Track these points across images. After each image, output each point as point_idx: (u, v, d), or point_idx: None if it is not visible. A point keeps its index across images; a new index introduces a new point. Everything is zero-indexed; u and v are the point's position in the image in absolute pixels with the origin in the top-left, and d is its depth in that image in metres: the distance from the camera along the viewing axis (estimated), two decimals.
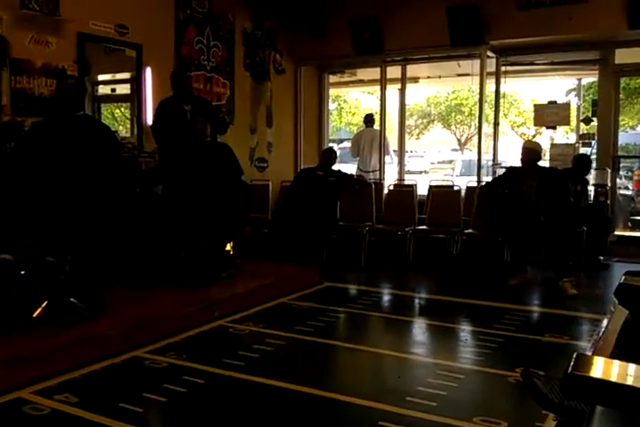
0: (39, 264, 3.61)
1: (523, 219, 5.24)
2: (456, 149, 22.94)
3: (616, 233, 6.78)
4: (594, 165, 6.91)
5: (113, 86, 6.54)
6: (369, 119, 8.56)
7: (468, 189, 6.60)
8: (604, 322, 4.01)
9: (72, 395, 2.86)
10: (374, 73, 8.02)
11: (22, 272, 3.55)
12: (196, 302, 4.15)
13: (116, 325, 3.53)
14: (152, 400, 2.87)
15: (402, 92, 7.87)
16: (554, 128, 7.86)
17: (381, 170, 7.90)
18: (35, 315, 3.60)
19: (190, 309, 4.03)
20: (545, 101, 7.66)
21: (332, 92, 9.23)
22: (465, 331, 4.22)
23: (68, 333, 3.44)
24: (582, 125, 7.95)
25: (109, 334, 3.44)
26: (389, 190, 6.98)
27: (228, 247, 4.94)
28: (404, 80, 7.73)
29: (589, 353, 1.98)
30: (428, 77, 9.02)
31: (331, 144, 9.11)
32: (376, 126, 8.27)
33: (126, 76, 6.24)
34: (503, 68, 7.28)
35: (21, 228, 3.75)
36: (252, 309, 4.43)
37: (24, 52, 4.89)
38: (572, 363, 1.10)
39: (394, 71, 7.67)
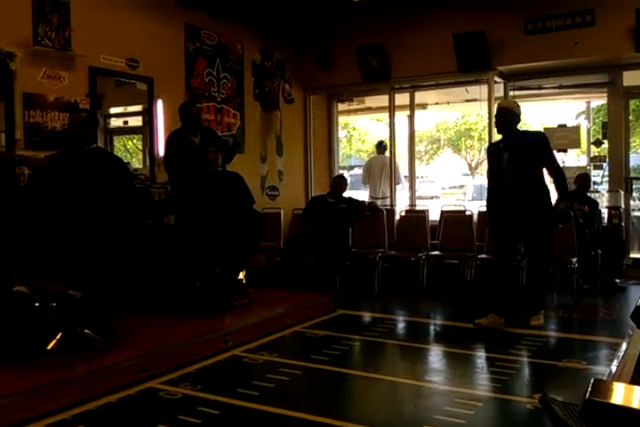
0: (54, 296, 3.63)
1: (504, 205, 4.58)
2: (467, 174, 22.95)
3: (631, 256, 6.72)
4: (606, 187, 6.88)
5: (125, 119, 6.65)
6: (380, 146, 8.61)
7: (481, 213, 6.57)
8: (623, 346, 3.95)
9: None
10: (383, 100, 8.09)
11: (37, 304, 3.56)
12: (209, 331, 4.13)
13: (131, 355, 3.51)
14: None
15: (411, 118, 7.92)
16: (564, 151, 7.86)
17: (392, 196, 7.90)
18: (49, 346, 3.61)
19: (204, 338, 4.01)
20: (555, 125, 7.68)
21: (341, 119, 9.31)
22: (481, 357, 4.15)
23: (82, 364, 3.43)
24: (593, 148, 7.95)
25: (124, 365, 3.42)
26: (401, 216, 6.98)
27: (241, 276, 4.94)
28: (412, 107, 7.79)
29: (608, 378, 1.94)
30: (437, 103, 9.08)
31: (341, 171, 9.14)
32: (387, 153, 8.31)
33: (138, 108, 6.34)
34: (511, 93, 7.33)
35: (35, 260, 3.77)
36: (266, 338, 4.40)
37: (37, 87, 4.99)
38: (589, 389, 1.08)
39: (402, 98, 7.74)
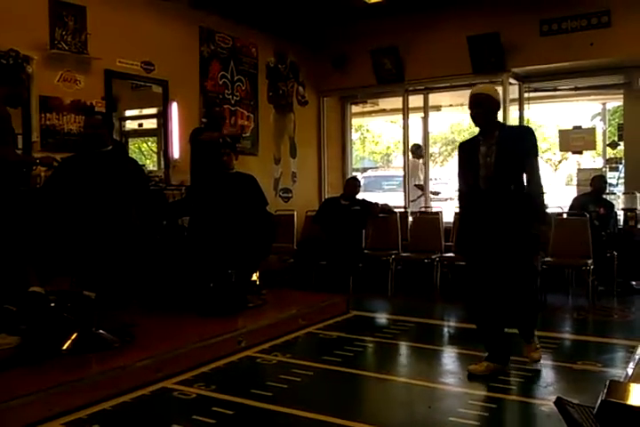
0: (69, 297, 3.66)
1: (478, 213, 3.63)
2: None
3: None
4: (622, 189, 6.83)
5: (140, 121, 6.69)
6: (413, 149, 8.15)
7: None
8: (639, 349, 3.92)
9: None
10: (396, 102, 8.08)
11: (52, 304, 3.60)
12: (223, 332, 4.14)
13: (145, 356, 3.53)
14: None
15: (424, 120, 7.90)
16: (580, 153, 7.80)
17: (407, 198, 7.87)
18: (65, 347, 3.64)
19: (218, 339, 4.02)
20: (570, 126, 7.63)
21: (355, 121, 9.29)
22: None
23: (97, 364, 3.46)
24: (609, 150, 7.89)
25: (138, 365, 3.44)
26: (415, 218, 6.96)
27: (255, 277, 4.95)
28: (426, 108, 7.76)
29: (624, 380, 1.93)
30: (451, 105, 9.05)
31: (354, 173, 9.12)
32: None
33: (153, 111, 6.39)
34: (526, 95, 7.29)
35: (50, 261, 3.81)
36: (279, 339, 4.41)
37: (53, 90, 5.05)
38: (605, 390, 1.08)
39: (416, 100, 7.72)
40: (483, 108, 3.54)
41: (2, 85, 3.68)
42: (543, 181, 3.63)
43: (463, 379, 3.61)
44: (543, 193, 3.61)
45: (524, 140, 3.54)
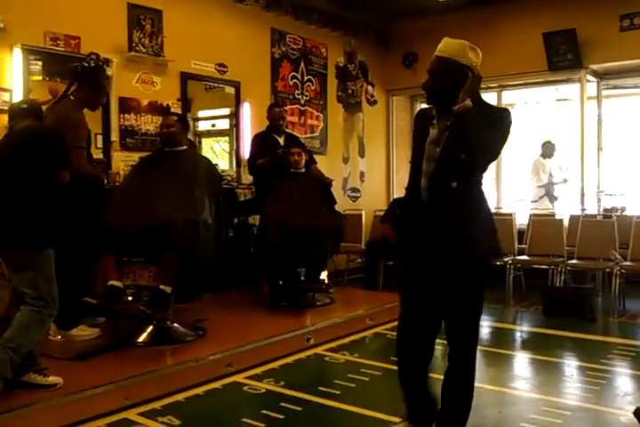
0: (146, 290, 3.78)
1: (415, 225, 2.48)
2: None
3: None
4: None
5: (213, 122, 6.84)
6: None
7: (572, 217, 6.35)
8: None
9: (175, 417, 2.94)
10: None
11: (129, 298, 3.73)
12: (291, 329, 4.19)
13: (217, 350, 3.61)
14: (251, 426, 2.90)
15: None
16: None
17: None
18: (140, 339, 3.77)
19: (287, 336, 4.07)
20: None
21: None
22: (570, 365, 4.00)
23: (172, 357, 3.57)
24: None
25: (210, 359, 3.52)
26: None
27: (324, 276, 4.98)
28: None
29: None
30: (525, 103, 8.81)
31: None
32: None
33: (225, 111, 6.52)
34: (604, 92, 7.04)
35: (129, 255, 3.94)
36: (347, 338, 4.42)
37: (131, 92, 5.24)
38: None
39: (489, 98, 7.57)
40: (443, 80, 2.33)
41: (82, 89, 3.79)
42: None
43: (536, 385, 3.52)
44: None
45: (490, 122, 2.29)
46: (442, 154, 2.34)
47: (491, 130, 2.27)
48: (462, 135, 2.29)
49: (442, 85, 2.34)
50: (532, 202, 7.30)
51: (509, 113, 2.39)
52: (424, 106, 2.58)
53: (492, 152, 2.38)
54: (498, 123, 2.32)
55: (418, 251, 2.44)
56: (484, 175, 2.41)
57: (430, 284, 2.43)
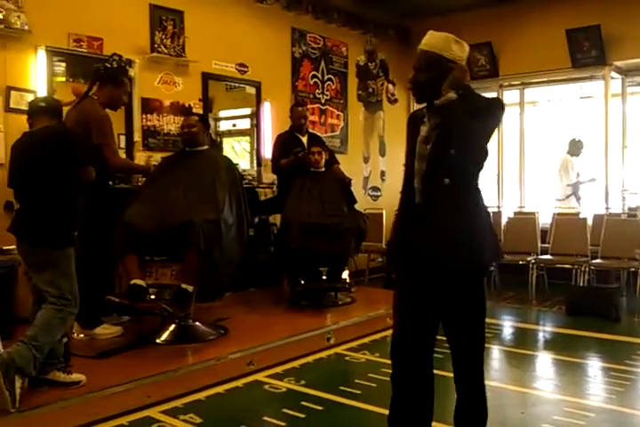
0: (168, 289, 3.81)
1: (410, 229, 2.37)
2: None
3: None
4: None
5: (233, 121, 6.87)
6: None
7: (596, 216, 6.27)
8: None
9: (196, 415, 2.97)
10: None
11: (152, 296, 3.76)
12: (312, 328, 4.19)
13: (238, 349, 3.63)
14: (272, 425, 2.91)
15: (521, 116, 7.65)
16: None
17: (500, 197, 7.65)
18: (163, 338, 3.80)
19: (307, 335, 4.08)
20: None
21: None
22: (594, 366, 3.95)
23: (193, 355, 3.59)
24: None
25: (232, 357, 3.54)
26: (509, 218, 6.75)
27: (345, 275, 4.97)
28: (522, 104, 7.52)
29: None
30: (549, 101, 8.72)
31: None
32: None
33: (246, 111, 6.54)
34: (629, 90, 6.93)
35: (152, 254, 3.98)
36: (367, 337, 4.41)
37: (154, 92, 5.28)
38: None
39: (511, 95, 7.49)
40: (427, 74, 2.22)
41: (103, 89, 3.84)
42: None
43: (560, 385, 3.48)
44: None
45: (477, 117, 2.11)
46: (432, 150, 2.19)
47: (474, 121, 2.10)
48: (448, 129, 2.15)
49: (425, 79, 2.23)
50: (558, 200, 7.19)
51: (499, 102, 2.30)
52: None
53: (483, 144, 2.19)
54: (484, 113, 2.15)
55: (411, 255, 2.32)
56: (483, 175, 2.25)
57: (425, 292, 2.28)
